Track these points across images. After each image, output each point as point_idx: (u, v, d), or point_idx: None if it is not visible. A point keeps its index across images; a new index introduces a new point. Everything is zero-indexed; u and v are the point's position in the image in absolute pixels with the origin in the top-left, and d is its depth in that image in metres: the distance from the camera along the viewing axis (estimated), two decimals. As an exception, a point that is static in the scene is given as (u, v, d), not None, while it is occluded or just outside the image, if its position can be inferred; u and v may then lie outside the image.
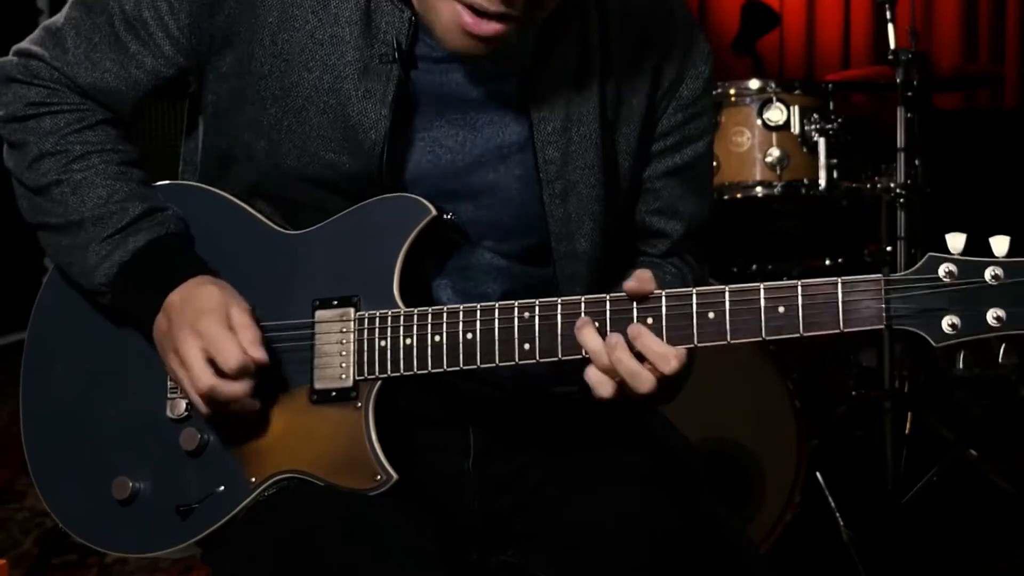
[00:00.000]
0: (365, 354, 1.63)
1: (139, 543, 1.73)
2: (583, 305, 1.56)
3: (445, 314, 1.61)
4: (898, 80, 3.82)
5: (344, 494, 1.61)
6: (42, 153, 1.74)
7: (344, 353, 1.65)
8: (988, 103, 5.91)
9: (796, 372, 3.43)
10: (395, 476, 1.60)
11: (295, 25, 1.68)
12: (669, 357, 1.51)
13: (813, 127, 3.68)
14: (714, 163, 3.65)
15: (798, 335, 1.50)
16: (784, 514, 3.19)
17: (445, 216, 1.68)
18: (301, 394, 1.66)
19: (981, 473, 3.73)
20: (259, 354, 1.61)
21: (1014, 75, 5.81)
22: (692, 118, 1.81)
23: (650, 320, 1.54)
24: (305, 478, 1.64)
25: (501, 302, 1.60)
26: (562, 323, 1.57)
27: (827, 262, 4.02)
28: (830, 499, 3.37)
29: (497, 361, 1.59)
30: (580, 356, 1.56)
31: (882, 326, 1.47)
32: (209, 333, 1.60)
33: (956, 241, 1.46)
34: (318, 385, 1.65)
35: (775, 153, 3.65)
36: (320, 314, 1.67)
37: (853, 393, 3.82)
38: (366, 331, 1.64)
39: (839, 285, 1.48)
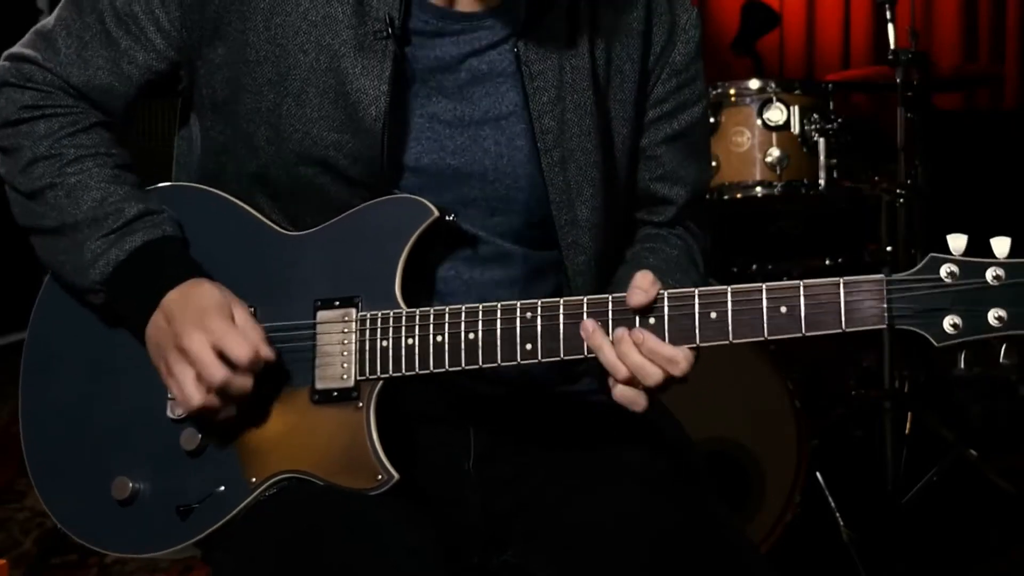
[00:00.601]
0: (367, 354, 1.63)
1: (139, 543, 1.72)
2: (585, 305, 1.57)
3: (447, 314, 1.61)
4: (898, 80, 3.82)
5: (345, 494, 1.61)
6: (36, 157, 1.73)
7: (346, 353, 1.65)
8: (988, 103, 5.91)
9: (796, 372, 3.43)
10: (396, 476, 1.60)
11: (287, 9, 1.68)
12: (678, 359, 1.53)
13: (813, 127, 3.68)
14: (713, 163, 3.66)
15: (800, 335, 1.50)
16: (784, 514, 3.19)
17: (447, 217, 1.68)
18: (302, 394, 1.66)
19: (981, 473, 3.73)
20: (267, 351, 1.61)
21: (1014, 75, 5.80)
22: (686, 83, 1.83)
23: (652, 320, 1.54)
24: (306, 478, 1.64)
25: (503, 303, 1.60)
26: (564, 323, 1.57)
27: (827, 262, 4.02)
28: (830, 499, 3.37)
29: (499, 361, 1.59)
30: (582, 356, 1.57)
31: (884, 326, 1.47)
32: (217, 329, 1.61)
33: (957, 242, 1.47)
34: (319, 385, 1.65)
35: (775, 153, 3.65)
36: (322, 314, 1.67)
37: (853, 393, 3.82)
38: (368, 331, 1.64)
39: (841, 285, 1.48)
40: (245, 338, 1.61)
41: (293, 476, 1.64)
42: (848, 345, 4.24)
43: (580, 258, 1.74)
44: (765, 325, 1.51)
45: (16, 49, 1.78)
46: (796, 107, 3.67)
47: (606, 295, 1.57)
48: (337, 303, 1.66)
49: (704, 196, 1.93)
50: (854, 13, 6.09)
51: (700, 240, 1.91)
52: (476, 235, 1.73)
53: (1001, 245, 1.45)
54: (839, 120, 3.71)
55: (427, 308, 1.62)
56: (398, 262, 1.65)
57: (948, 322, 1.45)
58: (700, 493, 1.74)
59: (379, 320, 1.63)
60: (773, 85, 3.70)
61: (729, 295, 1.52)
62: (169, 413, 1.71)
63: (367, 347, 1.63)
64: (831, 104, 3.75)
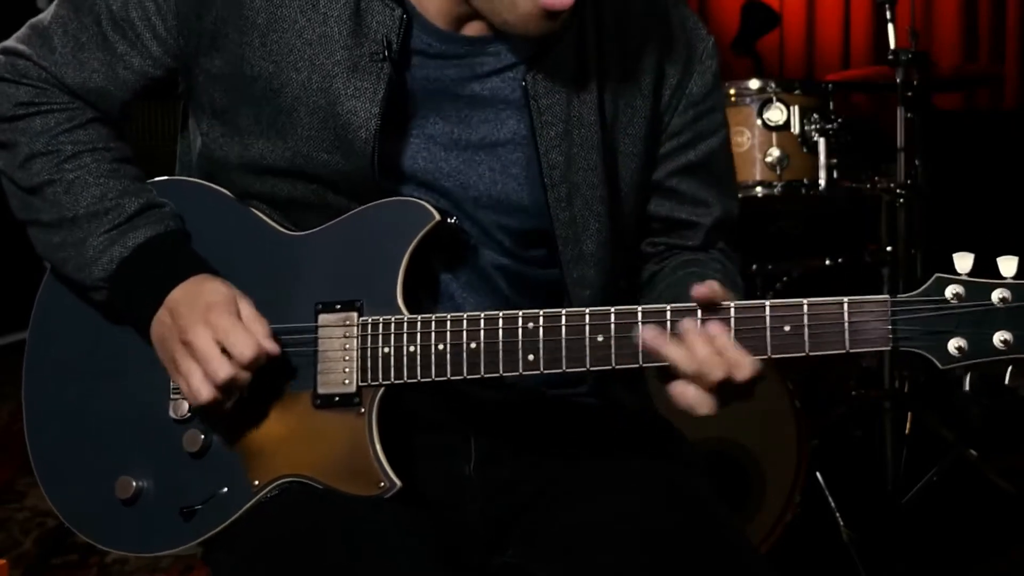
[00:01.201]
0: (368, 360, 1.63)
1: (142, 543, 1.73)
2: (587, 316, 1.56)
3: (449, 322, 1.60)
4: (898, 80, 3.82)
5: (345, 498, 1.61)
6: (33, 153, 1.72)
7: (348, 359, 1.64)
8: (988, 103, 5.91)
9: (796, 372, 3.43)
10: (399, 483, 1.60)
11: (283, 26, 1.67)
12: (743, 364, 1.49)
13: (813, 127, 3.68)
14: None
15: (803, 355, 1.49)
16: (784, 514, 3.19)
17: (449, 220, 1.68)
18: (304, 398, 1.65)
19: (981, 473, 3.73)
20: (272, 346, 1.61)
21: (1014, 75, 5.80)
22: (703, 114, 1.81)
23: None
24: (307, 482, 1.63)
25: (505, 311, 1.59)
26: (566, 336, 1.56)
27: (827, 262, 4.01)
28: (830, 499, 3.37)
29: (501, 371, 1.58)
30: (584, 368, 1.56)
31: (888, 348, 1.45)
32: (221, 324, 1.60)
33: (963, 262, 1.45)
34: (321, 390, 1.65)
35: (775, 153, 3.65)
36: (323, 318, 1.66)
37: (853, 393, 3.82)
38: (369, 337, 1.63)
39: (845, 305, 1.47)
40: (248, 334, 1.60)
41: (295, 480, 1.64)
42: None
43: (585, 292, 1.72)
44: (768, 344, 1.49)
45: (10, 43, 1.77)
46: (796, 107, 3.67)
47: (608, 308, 1.56)
48: (338, 306, 1.65)
49: (734, 221, 1.89)
50: (854, 13, 6.09)
51: (737, 265, 1.89)
52: (478, 250, 1.72)
53: (1008, 265, 1.43)
54: (839, 120, 3.71)
55: (428, 315, 1.61)
56: (399, 266, 1.64)
57: (953, 344, 1.44)
58: (700, 494, 1.74)
59: (380, 326, 1.63)
60: (773, 85, 3.70)
61: (732, 311, 1.51)
62: (171, 413, 1.71)
63: (369, 353, 1.63)
64: (831, 104, 3.75)
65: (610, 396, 1.82)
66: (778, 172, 3.66)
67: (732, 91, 3.70)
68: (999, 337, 1.42)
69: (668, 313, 1.53)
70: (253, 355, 1.59)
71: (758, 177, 3.67)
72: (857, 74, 5.04)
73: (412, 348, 1.61)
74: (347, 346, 1.64)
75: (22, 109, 1.74)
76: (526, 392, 1.76)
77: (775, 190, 3.67)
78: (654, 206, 1.83)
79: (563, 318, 1.56)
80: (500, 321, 1.58)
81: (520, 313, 1.58)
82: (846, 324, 1.47)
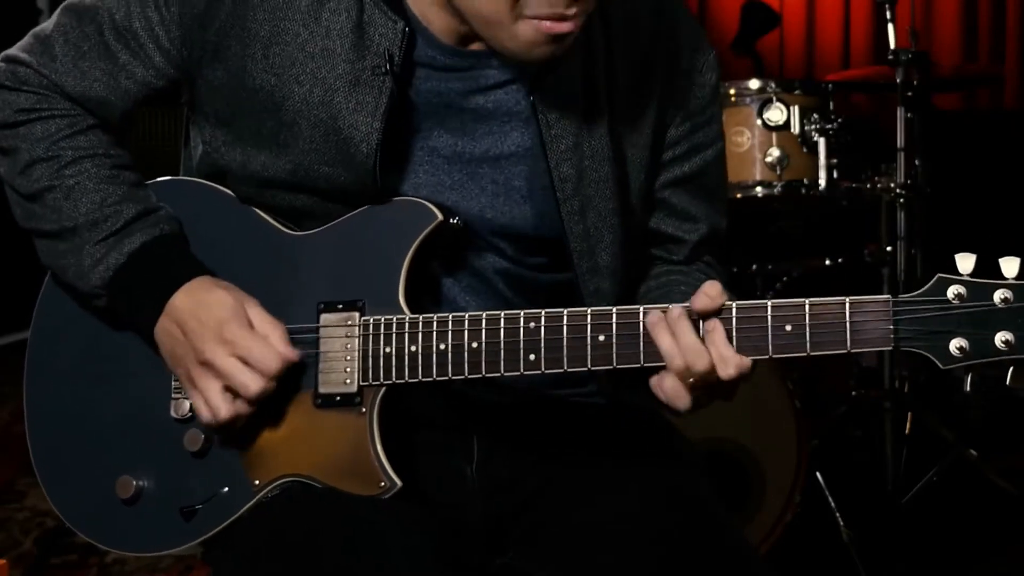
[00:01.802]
0: (370, 360, 1.63)
1: (142, 542, 1.73)
2: (589, 316, 1.55)
3: (451, 322, 1.60)
4: (898, 80, 3.82)
5: (346, 497, 1.61)
6: (34, 159, 1.72)
7: (349, 358, 1.64)
8: (988, 103, 5.91)
9: (796, 372, 3.43)
10: (399, 483, 1.60)
11: (286, 39, 1.67)
12: (728, 360, 1.50)
13: (813, 127, 3.68)
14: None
15: (805, 355, 1.49)
16: (784, 514, 3.19)
17: (451, 221, 1.67)
18: (306, 398, 1.65)
19: (981, 473, 3.73)
20: (293, 352, 1.62)
21: (1014, 75, 5.80)
22: (700, 127, 1.80)
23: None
24: (308, 482, 1.63)
25: (507, 311, 1.59)
26: (567, 336, 1.56)
27: (827, 262, 4.01)
28: (830, 499, 3.37)
29: (503, 371, 1.58)
30: (585, 368, 1.56)
31: (890, 348, 1.45)
32: (238, 340, 1.60)
33: (965, 263, 1.44)
34: (322, 389, 1.65)
35: (775, 153, 3.65)
36: (325, 317, 1.66)
37: (853, 393, 3.82)
38: (371, 337, 1.63)
39: (847, 305, 1.47)
40: (268, 345, 1.61)
41: (296, 480, 1.64)
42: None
43: (602, 304, 1.69)
44: (770, 344, 1.49)
45: (12, 52, 1.77)
46: (796, 107, 3.67)
47: (610, 307, 1.56)
48: (340, 306, 1.65)
49: (721, 235, 1.88)
50: (854, 13, 6.09)
51: (722, 277, 1.88)
52: (482, 253, 1.72)
53: (1010, 266, 1.43)
54: (839, 120, 3.71)
55: (430, 315, 1.61)
56: (402, 266, 1.64)
57: (954, 345, 1.43)
58: (700, 494, 1.74)
59: (382, 326, 1.63)
60: (773, 85, 3.70)
61: (733, 310, 1.51)
62: (172, 413, 1.71)
63: (370, 353, 1.63)
64: (831, 104, 3.75)
65: (611, 397, 1.82)
66: (778, 172, 3.65)
67: (732, 91, 3.70)
68: (1001, 338, 1.42)
69: (614, 316, 1.54)
70: (278, 366, 1.60)
71: (758, 177, 3.67)
72: (857, 74, 5.05)
73: (414, 348, 1.61)
74: (348, 346, 1.64)
75: (23, 115, 1.74)
76: (528, 392, 1.76)
77: (775, 190, 3.67)
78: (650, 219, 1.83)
79: (565, 318, 1.56)
80: (502, 321, 1.58)
81: (522, 313, 1.58)
82: (848, 324, 1.46)
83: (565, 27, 1.55)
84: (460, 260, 1.72)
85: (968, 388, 1.49)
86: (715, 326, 1.51)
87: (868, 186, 3.80)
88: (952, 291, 1.44)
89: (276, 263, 1.71)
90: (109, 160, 1.74)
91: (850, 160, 3.76)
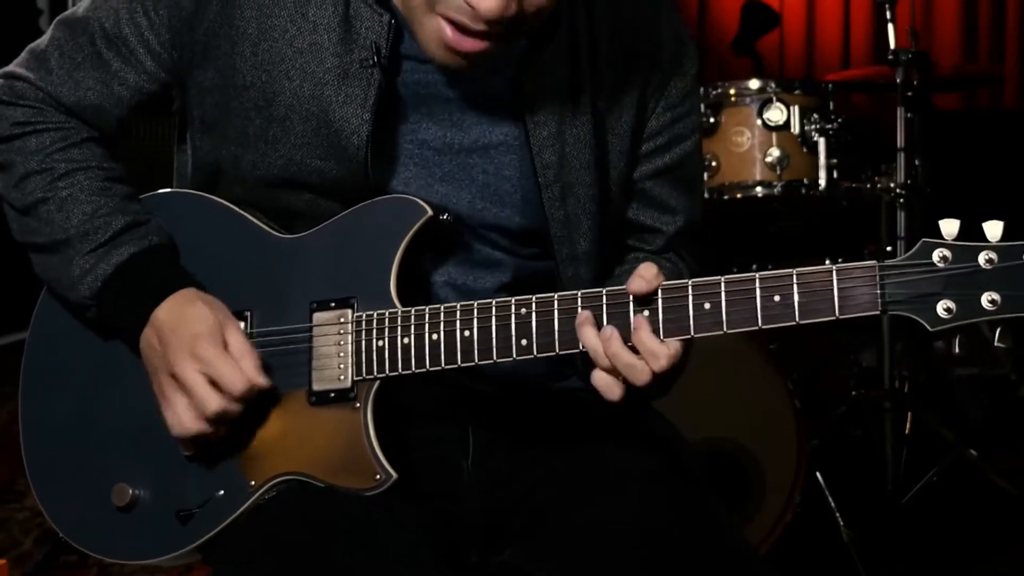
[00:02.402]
0: (363, 354, 1.64)
1: (140, 550, 1.72)
2: (579, 300, 1.57)
3: (442, 312, 1.61)
4: (898, 80, 3.82)
5: (344, 496, 1.61)
6: (28, 172, 1.74)
7: (342, 354, 1.65)
8: (988, 103, 5.91)
9: (796, 372, 3.43)
10: (395, 475, 1.60)
11: (274, 35, 1.68)
12: (659, 355, 1.52)
13: (813, 127, 3.68)
14: (713, 163, 3.67)
15: (794, 323, 1.50)
16: (784, 514, 3.19)
17: (441, 217, 1.68)
18: (300, 396, 1.66)
19: (981, 473, 3.73)
20: (263, 380, 1.62)
21: (1014, 75, 5.81)
22: (680, 117, 1.82)
23: (647, 312, 1.54)
24: (305, 480, 1.64)
25: (498, 299, 1.60)
26: (559, 318, 1.57)
27: (827, 262, 4.00)
28: (830, 499, 3.37)
29: (495, 358, 1.59)
30: (578, 350, 1.57)
31: (878, 312, 1.47)
32: (208, 357, 1.61)
33: (950, 227, 1.46)
34: (316, 387, 1.65)
35: (775, 153, 3.65)
36: (318, 316, 1.67)
37: (853, 393, 3.82)
38: (363, 332, 1.64)
39: (834, 272, 1.48)
40: (238, 367, 1.61)
41: (292, 478, 1.64)
42: (848, 345, 4.24)
43: (578, 285, 1.72)
44: (759, 315, 1.50)
45: (10, 68, 1.80)
46: (796, 107, 3.67)
47: (600, 289, 1.57)
48: (333, 304, 1.66)
49: (697, 228, 1.91)
50: (854, 13, 6.09)
51: (691, 267, 1.89)
52: (470, 243, 1.73)
53: (993, 229, 1.45)
54: (839, 120, 3.71)
55: (422, 307, 1.62)
56: (392, 262, 1.65)
57: (942, 306, 1.45)
58: (697, 492, 1.74)
59: (375, 320, 1.63)
60: (773, 85, 3.70)
61: (723, 285, 1.52)
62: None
63: (363, 347, 1.64)
64: (831, 104, 3.75)
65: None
66: (778, 172, 3.66)
67: (732, 91, 3.70)
68: (987, 297, 1.43)
69: (604, 297, 1.55)
70: (244, 389, 1.61)
71: (758, 177, 3.67)
72: (857, 74, 5.05)
73: (406, 340, 1.62)
74: (341, 342, 1.65)
75: (18, 128, 1.76)
76: (525, 386, 1.77)
77: (775, 190, 3.67)
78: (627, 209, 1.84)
79: (556, 302, 1.57)
80: (493, 309, 1.59)
81: (512, 300, 1.59)
82: (835, 291, 1.47)
83: (468, 44, 1.56)
84: (451, 256, 1.73)
85: (957, 350, 1.51)
86: (640, 323, 1.52)
87: (868, 186, 3.80)
88: (937, 254, 1.45)
89: (269, 267, 1.72)
90: (102, 172, 1.76)
91: (850, 160, 3.76)
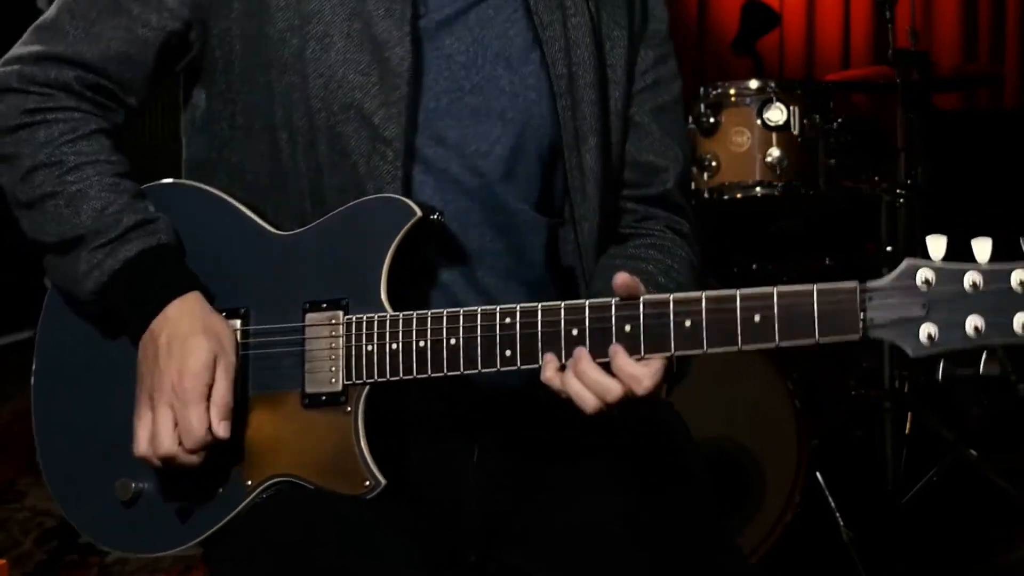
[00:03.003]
0: (353, 358, 1.63)
1: (142, 543, 1.74)
2: (563, 311, 1.56)
3: (429, 319, 1.61)
4: (898, 80, 3.82)
5: (337, 497, 1.62)
6: (36, 165, 1.72)
7: (334, 357, 1.64)
8: (988, 103, 5.91)
9: (796, 372, 3.43)
10: (384, 482, 1.60)
11: None
12: (641, 377, 1.51)
13: (813, 127, 3.67)
14: (713, 163, 3.67)
15: (774, 345, 1.47)
16: (784, 514, 3.20)
17: (432, 217, 1.68)
18: (294, 397, 1.66)
19: (981, 473, 3.73)
20: (223, 433, 1.62)
21: (1014, 75, 5.80)
22: (662, 59, 1.89)
23: (628, 328, 1.53)
24: (297, 482, 1.64)
25: (484, 307, 1.60)
26: (543, 330, 1.56)
27: (827, 262, 4.01)
28: (830, 499, 3.37)
29: (480, 368, 1.59)
30: (562, 364, 1.56)
31: (857, 336, 1.42)
32: (184, 399, 1.61)
33: (937, 245, 1.40)
34: (309, 389, 1.65)
35: (775, 153, 3.65)
36: (310, 317, 1.67)
37: (853, 393, 3.82)
38: (354, 336, 1.64)
39: (815, 293, 1.44)
40: (205, 417, 1.61)
41: (285, 479, 1.65)
42: (848, 345, 4.24)
43: (586, 204, 1.77)
44: (739, 335, 1.48)
45: (16, 50, 1.77)
46: (796, 107, 3.67)
47: (583, 301, 1.57)
48: (325, 305, 1.66)
49: (690, 172, 1.95)
50: (854, 13, 6.09)
51: (694, 246, 1.90)
52: (466, 237, 1.72)
53: (982, 248, 1.39)
54: (839, 120, 3.71)
55: (410, 313, 1.62)
56: (383, 264, 1.65)
57: (924, 332, 1.39)
58: (689, 492, 1.74)
59: (364, 324, 1.63)
60: (773, 85, 3.70)
61: (703, 302, 1.49)
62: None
63: (353, 351, 1.63)
64: (831, 104, 3.75)
65: None
66: (778, 172, 3.65)
67: (732, 91, 3.70)
68: (971, 324, 1.38)
69: (587, 309, 1.55)
70: (196, 444, 1.61)
71: (758, 177, 3.67)
72: (857, 74, 5.04)
73: (395, 346, 1.62)
74: (333, 345, 1.65)
75: (27, 117, 1.72)
76: (527, 387, 1.77)
77: (775, 190, 3.67)
78: (627, 146, 1.86)
79: (539, 312, 1.57)
80: (479, 317, 1.59)
81: (498, 309, 1.59)
82: (815, 313, 1.44)
83: None
84: (443, 255, 1.72)
85: (940, 377, 1.47)
86: (616, 351, 1.52)
87: (868, 186, 3.80)
88: (921, 276, 1.40)
89: (264, 264, 1.72)
90: (111, 167, 1.74)
91: (850, 160, 3.75)
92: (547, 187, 1.79)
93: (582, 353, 1.53)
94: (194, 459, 1.63)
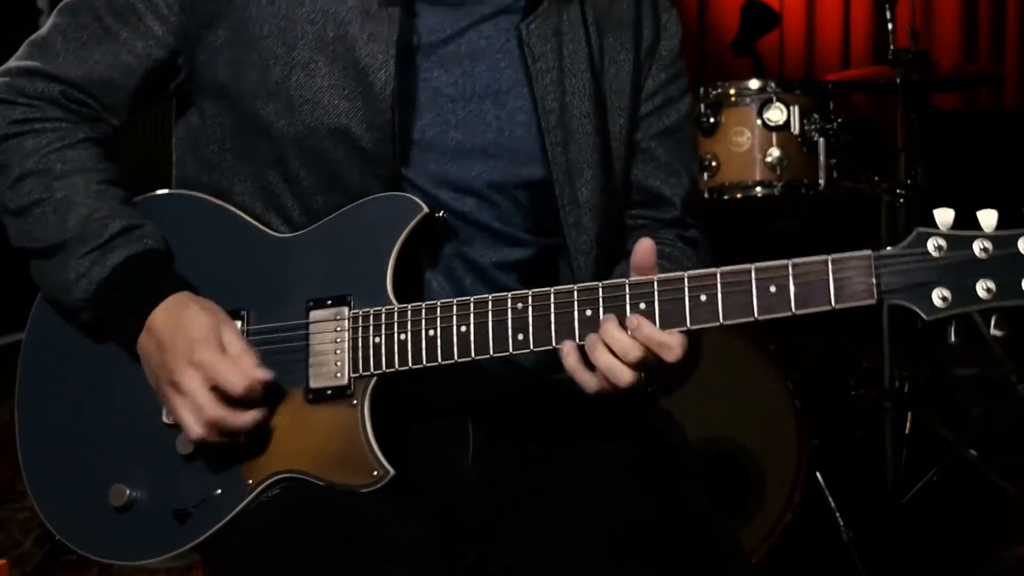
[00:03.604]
0: (359, 351, 1.64)
1: (137, 550, 1.72)
2: (576, 293, 1.57)
3: (439, 308, 1.62)
4: (898, 80, 3.82)
5: (342, 494, 1.62)
6: (24, 173, 1.73)
7: (339, 351, 1.65)
8: (988, 103, 5.91)
9: (796, 372, 3.43)
10: (392, 471, 1.61)
11: None
12: (672, 345, 1.52)
13: (813, 127, 3.67)
14: (713, 163, 3.67)
15: (790, 313, 1.50)
16: (784, 514, 3.20)
17: (437, 215, 1.69)
18: (297, 394, 1.66)
19: (981, 473, 3.73)
20: (262, 374, 1.62)
21: (1014, 75, 5.81)
22: (673, 78, 1.88)
23: (643, 305, 1.54)
24: (303, 478, 1.64)
25: (494, 294, 1.60)
26: (555, 312, 1.57)
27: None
28: (830, 499, 3.37)
29: (492, 353, 1.60)
30: (574, 344, 1.57)
31: (873, 300, 1.47)
32: (206, 362, 1.61)
33: (944, 216, 1.47)
34: (314, 384, 1.65)
35: (775, 153, 3.65)
36: (314, 314, 1.67)
37: (853, 393, 3.82)
38: (360, 329, 1.64)
39: (829, 262, 1.48)
40: (237, 367, 1.61)
41: (290, 476, 1.65)
42: (848, 345, 4.25)
43: (582, 238, 1.76)
44: (755, 305, 1.50)
45: (10, 63, 1.79)
46: (796, 107, 3.67)
47: (596, 283, 1.57)
48: (329, 302, 1.67)
49: (699, 191, 1.94)
50: (854, 13, 6.09)
51: (701, 249, 1.91)
52: (477, 221, 1.74)
53: (988, 217, 1.46)
54: (839, 120, 3.70)
55: (419, 303, 1.63)
56: (389, 259, 1.65)
57: (937, 295, 1.46)
58: (678, 483, 1.75)
59: (371, 317, 1.64)
60: (773, 85, 3.70)
61: (719, 276, 1.52)
62: (164, 418, 1.71)
63: (360, 344, 1.64)
64: (831, 104, 3.75)
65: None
66: (778, 172, 3.65)
67: (732, 91, 3.70)
68: (982, 286, 1.44)
69: (600, 291, 1.56)
70: (244, 388, 1.61)
71: (758, 177, 3.67)
72: (857, 74, 5.04)
73: (403, 336, 1.62)
74: (338, 339, 1.65)
75: (15, 127, 1.75)
76: (525, 380, 1.77)
77: (775, 190, 3.67)
78: (632, 170, 1.86)
79: (552, 296, 1.58)
80: (490, 304, 1.60)
81: (509, 295, 1.60)
82: (831, 281, 1.48)
83: None
84: (446, 255, 1.73)
85: (952, 339, 1.50)
86: (639, 322, 1.53)
87: (868, 186, 3.80)
88: (932, 243, 1.46)
89: (265, 266, 1.72)
90: (98, 174, 1.75)
91: (850, 160, 3.75)
92: (537, 220, 1.79)
93: (610, 319, 1.54)
94: (247, 419, 1.62)
